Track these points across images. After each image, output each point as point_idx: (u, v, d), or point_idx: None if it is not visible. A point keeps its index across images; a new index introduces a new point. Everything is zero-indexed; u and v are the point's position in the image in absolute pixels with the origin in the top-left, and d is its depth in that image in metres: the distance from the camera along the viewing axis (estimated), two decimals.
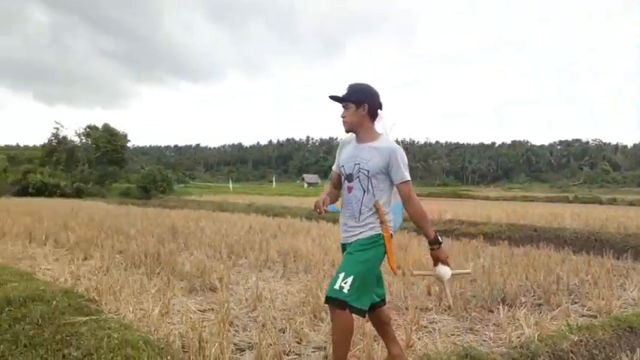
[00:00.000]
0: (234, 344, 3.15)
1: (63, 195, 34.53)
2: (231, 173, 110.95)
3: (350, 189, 2.60)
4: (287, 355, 3.03)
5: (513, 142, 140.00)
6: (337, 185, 2.77)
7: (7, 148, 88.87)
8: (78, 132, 46.95)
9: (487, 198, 43.47)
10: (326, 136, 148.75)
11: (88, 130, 47.17)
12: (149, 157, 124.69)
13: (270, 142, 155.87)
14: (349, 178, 2.61)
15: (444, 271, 2.57)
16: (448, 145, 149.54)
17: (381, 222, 2.53)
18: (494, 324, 3.82)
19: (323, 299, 4.11)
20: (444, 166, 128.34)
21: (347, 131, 2.65)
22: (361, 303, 2.43)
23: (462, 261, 6.47)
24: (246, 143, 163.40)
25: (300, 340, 3.27)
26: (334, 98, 2.63)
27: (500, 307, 4.04)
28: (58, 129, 46.13)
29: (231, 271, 5.72)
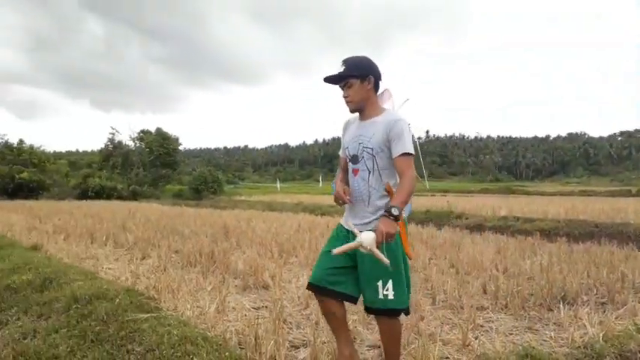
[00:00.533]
0: (289, 341, 3.19)
1: (120, 197, 35.99)
2: (278, 173, 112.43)
3: (355, 172, 2.40)
4: None
5: (569, 134, 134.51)
6: (346, 169, 2.56)
7: (68, 153, 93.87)
8: (132, 137, 48.84)
9: (543, 193, 41.96)
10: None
11: (141, 134, 48.96)
12: (200, 159, 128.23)
13: (316, 141, 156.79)
14: (354, 159, 2.41)
15: (365, 237, 2.11)
16: (500, 139, 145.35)
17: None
18: (554, 323, 3.68)
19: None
20: (496, 161, 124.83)
21: (352, 111, 2.45)
22: (407, 301, 2.37)
23: (517, 258, 6.27)
24: (293, 143, 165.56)
25: (354, 338, 3.27)
26: (333, 78, 2.37)
27: (561, 306, 3.89)
28: (113, 134, 48.14)
29: (282, 269, 5.79)
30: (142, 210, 17.62)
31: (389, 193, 2.31)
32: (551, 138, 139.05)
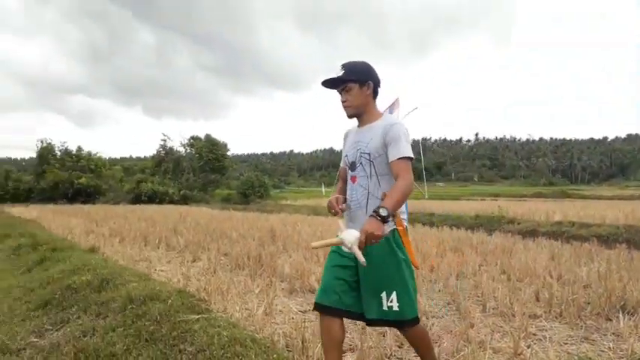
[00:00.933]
0: None
1: (171, 202, 37.16)
2: (323, 177, 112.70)
3: (354, 179, 2.35)
4: (388, 358, 3.02)
5: (629, 135, 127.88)
6: (346, 180, 2.51)
7: (122, 159, 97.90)
8: (183, 143, 50.36)
9: (600, 197, 40.07)
10: (418, 137, 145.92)
11: (191, 140, 50.41)
12: (247, 164, 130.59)
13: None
14: (352, 166, 2.36)
15: (346, 236, 2.05)
16: (553, 141, 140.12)
17: (393, 215, 2.21)
18: (613, 333, 3.51)
19: (422, 303, 4.06)
20: (549, 164, 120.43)
21: (351, 116, 2.39)
22: (414, 311, 2.27)
23: (572, 265, 6.02)
24: (338, 147, 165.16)
25: (402, 344, 3.24)
26: (332, 81, 2.31)
27: (620, 316, 3.70)
28: (165, 141, 49.82)
29: None
30: (192, 214, 18.12)
31: None
32: (608, 140, 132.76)
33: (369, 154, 2.27)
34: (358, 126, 2.41)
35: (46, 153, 39.21)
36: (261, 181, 42.27)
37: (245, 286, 4.95)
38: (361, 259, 1.99)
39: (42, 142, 40.14)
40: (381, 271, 2.21)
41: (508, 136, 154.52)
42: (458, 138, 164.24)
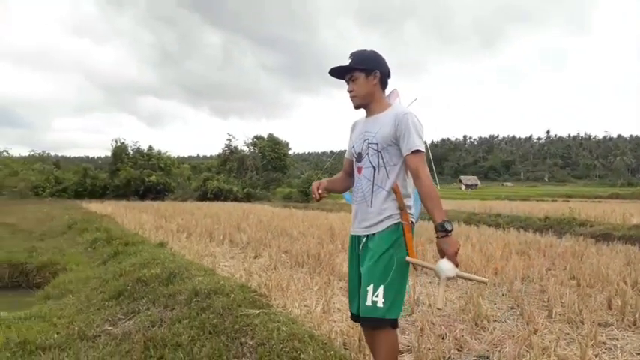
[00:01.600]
0: None
1: (235, 199, 38.22)
2: None
3: (360, 170, 2.25)
4: None
5: None
6: (348, 172, 2.44)
7: (190, 158, 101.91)
8: (246, 142, 51.69)
9: None
10: (485, 134, 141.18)
11: (255, 140, 51.66)
12: (307, 163, 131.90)
13: (424, 143, 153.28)
14: (359, 157, 2.27)
15: (445, 267, 1.97)
16: (633, 139, 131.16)
17: (400, 208, 2.12)
18: None
19: (484, 307, 3.96)
20: (628, 164, 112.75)
21: (357, 107, 2.30)
22: (397, 312, 2.12)
23: None
24: None
25: (461, 347, 3.18)
26: (338, 70, 2.26)
27: None
28: (230, 140, 51.31)
29: None
30: (255, 211, 18.57)
31: (396, 193, 2.14)
32: None
33: (377, 144, 2.18)
34: (366, 116, 2.32)
35: (119, 152, 41.45)
36: (320, 179, 42.54)
37: (304, 283, 5.03)
38: (483, 279, 2.18)
39: (116, 141, 42.46)
40: (374, 263, 2.09)
41: (582, 134, 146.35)
42: (527, 135, 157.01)
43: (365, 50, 2.26)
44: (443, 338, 3.35)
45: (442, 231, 1.97)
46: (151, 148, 43.91)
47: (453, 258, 1.96)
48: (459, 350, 3.16)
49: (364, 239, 2.18)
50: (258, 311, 3.51)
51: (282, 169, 51.35)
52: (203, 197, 37.58)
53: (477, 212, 18.11)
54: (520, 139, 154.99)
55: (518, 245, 8.00)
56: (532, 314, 3.83)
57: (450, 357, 3.04)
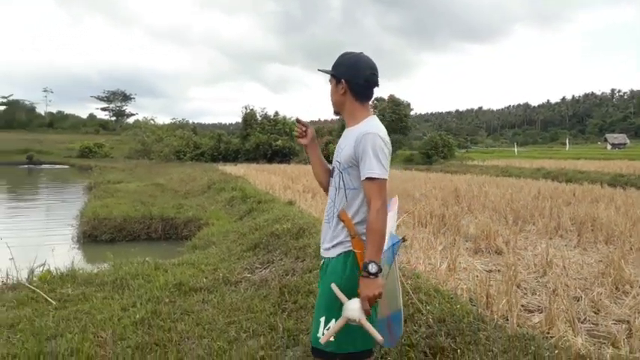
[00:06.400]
0: (522, 305, 3.12)
1: None
2: (516, 136, 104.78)
3: (330, 187, 2.04)
4: (582, 322, 2.84)
5: None
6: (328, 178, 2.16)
7: (312, 123, 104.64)
8: None
9: None
10: (637, 87, 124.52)
11: (375, 102, 51.43)
12: (430, 124, 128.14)
13: (564, 99, 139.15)
14: (332, 172, 2.04)
15: (351, 307, 1.73)
16: None
17: (352, 236, 1.87)
18: None
19: (627, 272, 3.67)
20: None
21: (334, 113, 2.11)
22: (355, 345, 1.84)
23: None
24: (534, 102, 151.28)
25: (598, 310, 3.02)
26: (323, 72, 2.09)
27: None
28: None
29: (517, 236, 5.55)
30: None
31: (343, 221, 1.90)
32: None
33: (339, 162, 1.97)
34: (346, 126, 2.08)
35: (249, 118, 43.92)
36: (445, 140, 41.30)
37: (427, 243, 5.05)
38: (377, 336, 1.73)
39: (246, 108, 45.01)
40: (326, 293, 1.88)
41: None
42: None
43: (346, 54, 2.04)
44: (578, 300, 3.20)
45: (364, 271, 1.75)
46: (276, 113, 45.84)
47: (364, 302, 1.74)
48: (595, 313, 3.00)
49: (322, 261, 1.99)
50: None
51: (403, 131, 50.65)
52: (325, 160, 38.57)
53: (624, 173, 16.36)
54: None
55: None
56: None
57: (585, 319, 2.90)
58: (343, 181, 1.94)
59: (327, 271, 1.91)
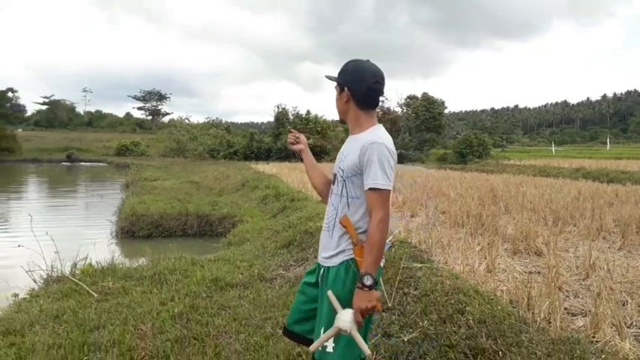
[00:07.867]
0: (565, 308, 3.03)
1: None
2: (553, 135, 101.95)
3: (330, 193, 2.02)
4: (629, 327, 2.74)
5: None
6: (329, 186, 2.13)
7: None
8: (400, 102, 51.21)
9: None
10: None
11: (408, 100, 50.91)
12: (465, 122, 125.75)
13: (604, 96, 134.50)
14: (333, 179, 2.02)
15: (343, 317, 1.73)
16: None
17: (354, 243, 1.86)
18: None
19: None
20: None
21: (339, 120, 2.11)
22: (353, 355, 1.83)
23: None
24: (573, 100, 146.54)
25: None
26: (331, 79, 2.07)
27: None
28: (383, 101, 51.29)
29: (557, 237, 5.40)
30: (408, 173, 18.53)
31: (345, 227, 1.89)
32: None
33: (343, 170, 1.95)
34: (350, 133, 2.08)
35: (281, 117, 44.21)
36: (480, 139, 40.55)
37: (465, 243, 4.96)
38: (365, 349, 1.73)
39: (278, 107, 45.29)
40: (327, 305, 1.87)
41: None
42: None
43: (351, 62, 2.03)
44: (624, 305, 3.08)
45: (360, 282, 1.74)
46: (308, 112, 45.98)
47: (357, 314, 1.73)
48: None
49: (322, 270, 1.96)
50: (420, 265, 3.60)
51: (436, 130, 49.97)
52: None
53: None
54: None
55: None
56: None
57: (632, 324, 2.80)
58: (346, 188, 1.93)
59: (329, 280, 1.89)
